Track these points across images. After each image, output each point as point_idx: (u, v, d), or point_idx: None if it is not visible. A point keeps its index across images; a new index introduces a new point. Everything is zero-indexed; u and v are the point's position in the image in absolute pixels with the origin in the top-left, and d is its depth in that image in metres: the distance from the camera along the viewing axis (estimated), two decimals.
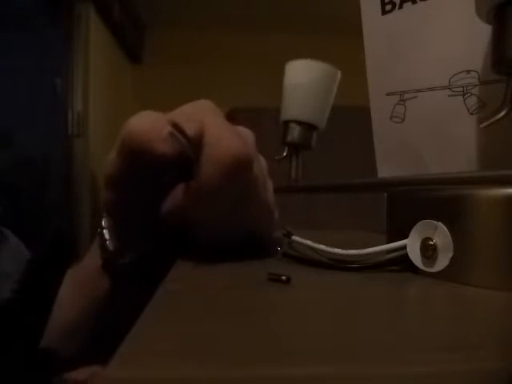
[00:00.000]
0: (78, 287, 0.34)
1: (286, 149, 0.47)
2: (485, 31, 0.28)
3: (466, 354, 0.12)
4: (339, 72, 0.46)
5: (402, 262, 0.22)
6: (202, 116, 0.25)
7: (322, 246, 0.25)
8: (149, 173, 0.26)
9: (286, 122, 0.46)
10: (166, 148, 0.23)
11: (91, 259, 0.32)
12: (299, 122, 0.45)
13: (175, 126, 0.22)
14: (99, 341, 0.31)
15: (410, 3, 0.35)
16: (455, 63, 0.33)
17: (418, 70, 0.36)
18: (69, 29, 1.75)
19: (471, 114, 0.32)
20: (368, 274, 0.22)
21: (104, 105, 2.06)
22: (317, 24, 2.40)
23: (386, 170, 0.39)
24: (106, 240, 0.30)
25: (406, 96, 0.36)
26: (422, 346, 0.12)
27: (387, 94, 0.37)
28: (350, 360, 0.11)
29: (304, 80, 0.45)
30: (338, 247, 0.24)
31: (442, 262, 0.21)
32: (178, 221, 0.25)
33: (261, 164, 0.28)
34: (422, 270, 0.22)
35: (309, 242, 0.26)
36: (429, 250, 0.21)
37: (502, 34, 0.25)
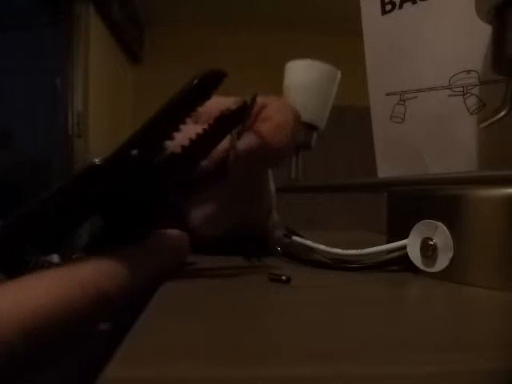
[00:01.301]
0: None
1: None
2: (485, 31, 0.28)
3: (466, 354, 0.12)
4: (339, 72, 0.46)
5: (401, 262, 0.22)
6: None
7: (322, 246, 0.25)
8: None
9: None
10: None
11: None
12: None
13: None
14: None
15: (409, 3, 0.35)
16: (455, 63, 0.33)
17: (418, 70, 0.36)
18: (69, 29, 1.75)
19: (471, 113, 0.32)
20: (368, 274, 0.22)
21: (104, 105, 2.06)
22: (317, 24, 2.40)
23: (386, 170, 0.39)
24: None
25: (406, 96, 0.36)
26: (422, 345, 0.12)
27: (387, 94, 0.37)
28: (350, 360, 0.11)
29: (304, 80, 0.45)
30: (338, 247, 0.24)
31: (441, 262, 0.21)
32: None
33: None
34: (422, 270, 0.22)
35: (309, 242, 0.26)
36: (429, 250, 0.21)
37: (502, 33, 0.25)
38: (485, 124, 0.27)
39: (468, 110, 0.33)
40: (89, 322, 0.16)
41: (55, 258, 0.19)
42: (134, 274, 0.18)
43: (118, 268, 0.17)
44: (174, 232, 0.22)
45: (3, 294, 0.14)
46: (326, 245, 0.25)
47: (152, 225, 0.21)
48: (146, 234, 0.21)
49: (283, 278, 0.20)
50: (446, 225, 0.21)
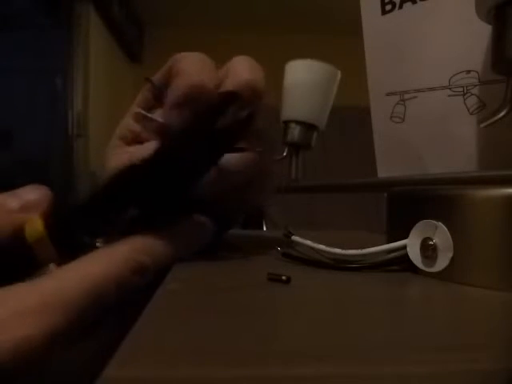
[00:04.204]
0: None
1: (286, 149, 0.47)
2: (485, 31, 0.28)
3: (466, 354, 0.12)
4: (339, 72, 0.46)
5: (402, 262, 0.22)
6: None
7: (322, 246, 0.25)
8: None
9: (286, 122, 0.46)
10: None
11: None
12: (299, 122, 0.45)
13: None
14: None
15: (409, 3, 0.35)
16: (455, 63, 0.33)
17: (418, 70, 0.36)
18: (69, 29, 1.75)
19: (471, 114, 0.32)
20: (368, 274, 0.22)
21: (104, 105, 2.06)
22: (317, 24, 2.40)
23: (386, 170, 0.39)
24: None
25: (406, 96, 0.36)
26: (422, 345, 0.12)
27: (387, 94, 0.37)
28: (350, 360, 0.11)
29: (304, 80, 0.45)
30: (338, 247, 0.24)
31: (441, 262, 0.21)
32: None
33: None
34: (422, 270, 0.22)
35: (309, 242, 0.26)
36: (429, 250, 0.21)
37: (502, 33, 0.25)
38: (485, 124, 0.27)
39: (468, 110, 0.33)
40: (130, 292, 0.19)
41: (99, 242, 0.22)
42: (165, 250, 0.21)
43: (153, 244, 0.21)
44: (197, 218, 0.24)
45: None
46: (326, 245, 0.25)
47: (178, 212, 0.24)
48: (174, 220, 0.23)
49: (283, 277, 0.20)
50: (446, 225, 0.21)
